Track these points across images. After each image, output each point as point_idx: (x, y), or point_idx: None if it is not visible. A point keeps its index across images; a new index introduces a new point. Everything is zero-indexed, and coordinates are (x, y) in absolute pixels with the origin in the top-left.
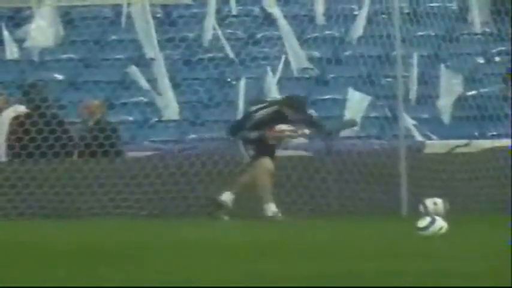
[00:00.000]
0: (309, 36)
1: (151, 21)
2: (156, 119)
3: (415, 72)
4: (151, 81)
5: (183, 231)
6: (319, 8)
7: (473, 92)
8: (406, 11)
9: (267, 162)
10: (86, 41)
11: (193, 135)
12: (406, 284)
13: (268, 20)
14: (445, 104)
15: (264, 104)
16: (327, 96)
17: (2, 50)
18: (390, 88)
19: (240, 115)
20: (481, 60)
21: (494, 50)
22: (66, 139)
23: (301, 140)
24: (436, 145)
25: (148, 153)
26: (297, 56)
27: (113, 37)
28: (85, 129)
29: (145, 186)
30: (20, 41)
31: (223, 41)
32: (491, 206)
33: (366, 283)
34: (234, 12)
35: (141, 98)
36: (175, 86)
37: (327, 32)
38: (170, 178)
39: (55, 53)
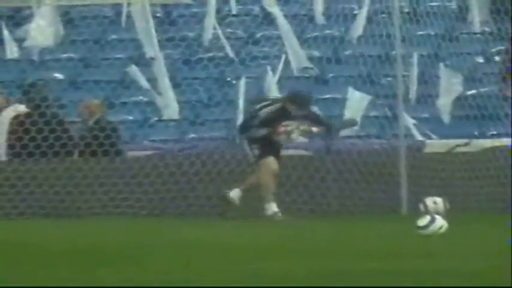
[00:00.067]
0: (308, 36)
1: (151, 21)
2: (156, 119)
3: (415, 71)
4: (151, 80)
5: (183, 231)
6: (319, 8)
7: (473, 92)
8: (406, 10)
9: (271, 162)
10: (86, 40)
11: (193, 135)
12: (406, 283)
13: (268, 19)
14: (444, 103)
15: (268, 102)
16: (327, 96)
17: (2, 50)
18: (390, 87)
19: (240, 114)
20: (481, 60)
21: (493, 50)
22: (66, 138)
23: (302, 139)
24: (436, 144)
25: (149, 152)
26: (297, 56)
27: (113, 36)
28: (85, 129)
29: (145, 185)
30: (20, 41)
31: (223, 41)
32: (491, 205)
33: (366, 282)
34: (234, 12)
35: (141, 98)
36: (175, 85)
37: (327, 32)
38: (170, 177)
39: (55, 52)
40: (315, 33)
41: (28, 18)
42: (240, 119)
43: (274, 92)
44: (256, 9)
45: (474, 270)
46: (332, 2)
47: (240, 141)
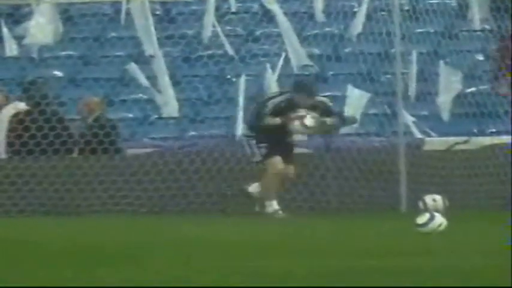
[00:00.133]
0: (308, 33)
1: (151, 18)
2: (156, 116)
3: (414, 69)
4: (151, 78)
5: (183, 229)
6: (319, 5)
7: (473, 89)
8: (406, 7)
9: (277, 162)
10: (86, 38)
11: (193, 133)
12: (405, 281)
13: (268, 16)
14: (444, 100)
15: (275, 94)
16: (326, 93)
17: (1, 47)
18: (389, 85)
19: (240, 112)
20: (481, 57)
21: (493, 47)
22: (66, 136)
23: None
24: (435, 142)
25: (148, 150)
26: (296, 53)
27: (113, 34)
28: (85, 127)
29: (145, 183)
30: (19, 38)
31: (223, 38)
32: (490, 202)
33: (365, 280)
34: (233, 9)
35: (141, 95)
36: (175, 83)
37: (327, 29)
38: (170, 175)
39: (54, 50)
40: (315, 31)
41: (27, 16)
42: (240, 116)
43: (274, 90)
44: (255, 6)
45: (473, 268)
46: (332, 0)
47: (245, 141)
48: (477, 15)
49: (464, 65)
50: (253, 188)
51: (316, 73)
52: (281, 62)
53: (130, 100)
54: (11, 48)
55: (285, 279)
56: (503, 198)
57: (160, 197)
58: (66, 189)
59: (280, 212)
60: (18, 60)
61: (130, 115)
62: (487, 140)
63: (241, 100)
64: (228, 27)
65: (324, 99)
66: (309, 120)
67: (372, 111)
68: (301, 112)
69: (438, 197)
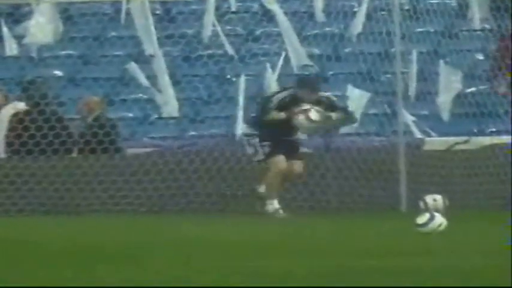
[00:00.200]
0: (308, 33)
1: (151, 18)
2: (156, 116)
3: (414, 68)
4: (151, 77)
5: (183, 228)
6: (319, 5)
7: (473, 89)
8: (406, 7)
9: (280, 161)
10: (85, 37)
11: (193, 132)
12: (405, 281)
13: (268, 16)
14: (444, 100)
15: (278, 90)
16: (326, 93)
17: (1, 47)
18: (389, 85)
19: (240, 112)
20: (481, 57)
21: (493, 47)
22: (66, 136)
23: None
24: (435, 142)
25: (148, 149)
26: (296, 53)
27: (112, 33)
28: (84, 126)
29: (144, 182)
30: (19, 38)
31: (223, 38)
32: (490, 202)
33: (365, 280)
34: (233, 9)
35: (141, 95)
36: (175, 82)
37: (327, 29)
38: (170, 175)
39: (54, 49)
40: (315, 31)
41: (27, 15)
42: (240, 116)
43: (274, 90)
44: (255, 6)
45: (473, 268)
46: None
47: (246, 140)
48: (477, 14)
49: (464, 65)
50: (263, 188)
51: (316, 73)
52: (281, 61)
53: (130, 100)
54: (11, 48)
55: (285, 279)
56: (503, 198)
57: (160, 197)
58: (65, 189)
59: (281, 211)
60: (18, 60)
61: (130, 115)
62: (487, 140)
63: (241, 100)
64: (228, 27)
65: (328, 94)
66: (314, 114)
67: (372, 110)
68: (306, 106)
69: (438, 197)
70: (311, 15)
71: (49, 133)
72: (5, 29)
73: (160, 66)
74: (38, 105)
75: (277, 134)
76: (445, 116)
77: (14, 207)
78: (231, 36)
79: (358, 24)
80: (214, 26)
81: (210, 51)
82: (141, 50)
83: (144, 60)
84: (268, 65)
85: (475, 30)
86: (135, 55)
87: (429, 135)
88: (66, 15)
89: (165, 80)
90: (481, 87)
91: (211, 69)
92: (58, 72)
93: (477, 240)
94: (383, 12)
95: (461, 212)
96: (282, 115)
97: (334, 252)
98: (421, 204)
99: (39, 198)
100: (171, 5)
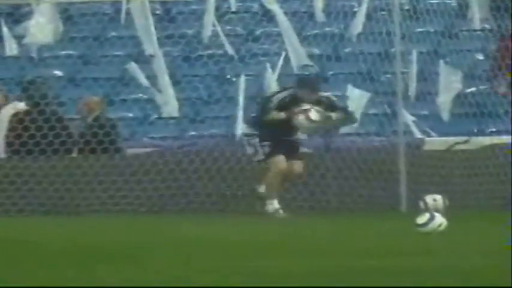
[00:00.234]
0: (308, 33)
1: (151, 18)
2: (156, 116)
3: (414, 68)
4: (151, 77)
5: (183, 228)
6: (319, 5)
7: (473, 89)
8: (406, 7)
9: (280, 161)
10: (85, 37)
11: (193, 132)
12: (405, 281)
13: (268, 16)
14: (444, 100)
15: (278, 90)
16: (326, 93)
17: (1, 47)
18: (389, 85)
19: (240, 112)
20: (481, 57)
21: (493, 47)
22: (66, 136)
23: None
24: (435, 142)
25: (148, 149)
26: (296, 53)
27: (112, 33)
28: (84, 126)
29: (144, 182)
30: (19, 38)
31: (223, 38)
32: (490, 202)
33: (365, 280)
34: (233, 9)
35: (141, 95)
36: (175, 82)
37: (327, 29)
38: (170, 175)
39: (54, 49)
40: (315, 31)
41: (27, 15)
42: (240, 116)
43: (273, 90)
44: (255, 6)
45: (473, 268)
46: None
47: (246, 140)
48: (477, 14)
49: (464, 65)
50: (263, 188)
51: (316, 73)
52: (281, 61)
53: (130, 100)
54: (11, 48)
55: (285, 279)
56: (503, 198)
57: (160, 197)
58: (65, 189)
59: (281, 211)
60: (18, 60)
61: (130, 115)
62: (487, 140)
63: (241, 100)
64: (228, 27)
65: (328, 94)
66: (314, 114)
67: (372, 111)
68: (306, 106)
69: (438, 197)
70: (311, 15)
71: (49, 133)
72: (5, 29)
73: (160, 66)
74: (38, 105)
75: (277, 134)
76: (445, 116)
77: (14, 207)
78: (231, 36)
79: (358, 24)
80: (214, 26)
81: (210, 51)
82: (141, 50)
83: (144, 60)
84: (268, 65)
85: (475, 30)
86: (135, 55)
87: (429, 135)
88: (66, 15)
89: (165, 80)
90: (481, 87)
91: (211, 69)
92: (58, 72)
93: (477, 240)
94: (383, 12)
95: (461, 212)
96: (282, 115)
97: (334, 252)
98: (421, 204)
99: (39, 198)
100: (171, 5)
